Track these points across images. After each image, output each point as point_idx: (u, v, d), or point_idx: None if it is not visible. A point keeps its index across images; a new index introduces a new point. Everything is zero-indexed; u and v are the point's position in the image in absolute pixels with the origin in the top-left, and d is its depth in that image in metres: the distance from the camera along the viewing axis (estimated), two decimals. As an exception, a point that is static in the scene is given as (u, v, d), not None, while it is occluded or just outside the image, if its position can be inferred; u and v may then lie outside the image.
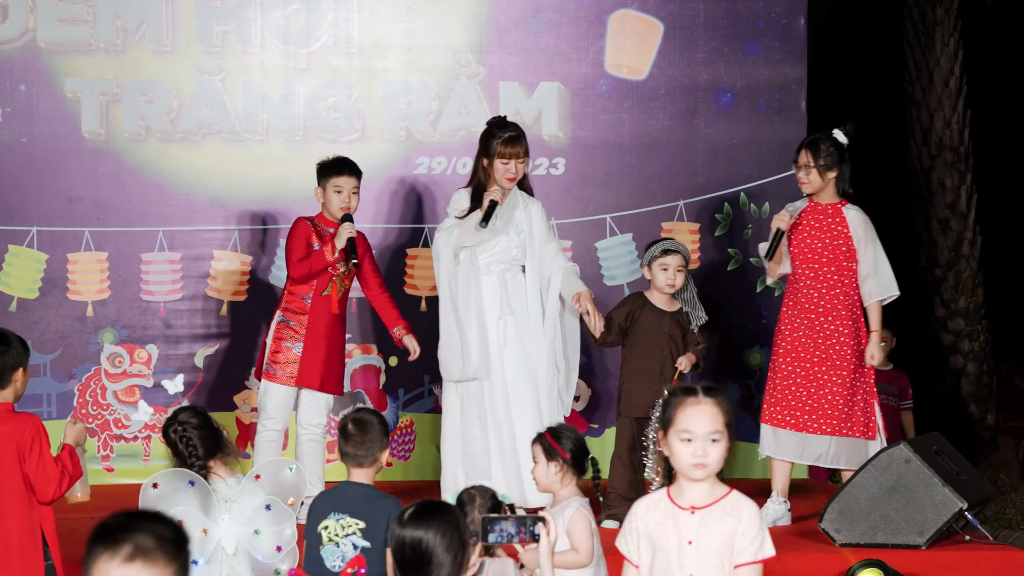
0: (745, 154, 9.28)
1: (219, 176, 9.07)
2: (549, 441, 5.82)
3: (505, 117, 7.95)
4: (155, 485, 5.49)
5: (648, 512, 4.56)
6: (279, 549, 5.51)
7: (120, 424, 9.02)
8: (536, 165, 9.15)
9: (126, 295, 9.06)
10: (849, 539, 7.20)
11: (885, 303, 7.74)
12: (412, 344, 7.97)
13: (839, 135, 7.71)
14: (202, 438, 5.63)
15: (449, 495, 5.50)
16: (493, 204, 7.65)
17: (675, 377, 7.80)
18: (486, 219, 7.63)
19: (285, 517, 5.53)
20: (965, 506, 7.07)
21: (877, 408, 7.74)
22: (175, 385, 6.11)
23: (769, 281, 8.26)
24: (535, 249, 7.81)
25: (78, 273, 9.01)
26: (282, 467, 5.62)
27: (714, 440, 4.42)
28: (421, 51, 9.21)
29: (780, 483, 7.72)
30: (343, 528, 5.48)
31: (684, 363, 7.88)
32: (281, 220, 9.06)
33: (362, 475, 5.62)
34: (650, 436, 7.51)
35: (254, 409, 8.61)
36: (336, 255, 7.75)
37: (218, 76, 9.09)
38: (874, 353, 7.64)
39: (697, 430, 4.41)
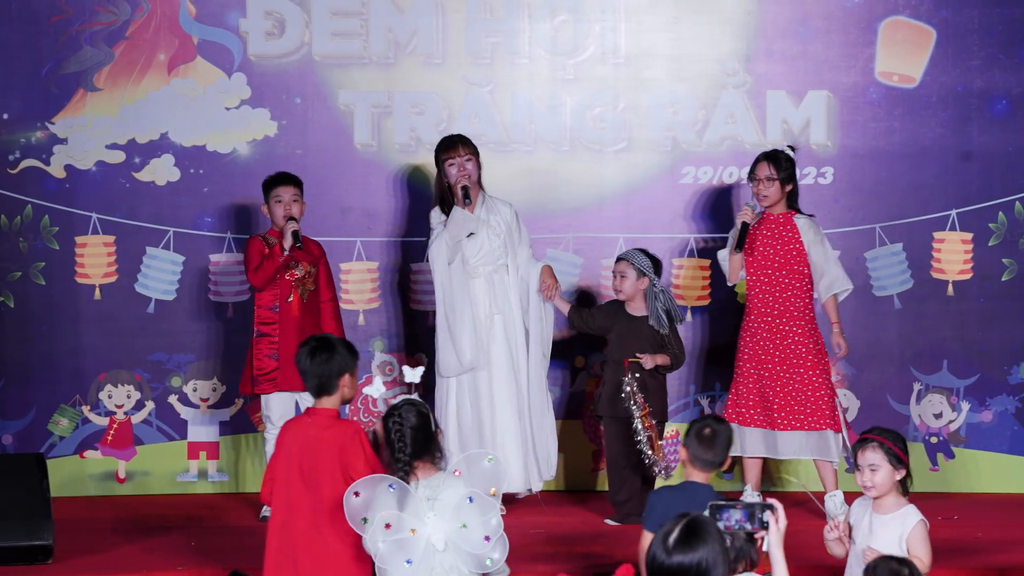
0: (1021, 162, 9.09)
1: (488, 186, 9.13)
2: (893, 449, 5.79)
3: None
4: (356, 493, 5.58)
5: None
6: (487, 539, 5.59)
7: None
8: (804, 174, 9.06)
9: (395, 304, 9.20)
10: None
11: (841, 299, 8.29)
12: None
13: (788, 151, 8.29)
14: (415, 438, 5.74)
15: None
16: (465, 188, 8.26)
17: (626, 367, 8.07)
18: (467, 198, 8.27)
19: (489, 507, 5.61)
20: None
21: (839, 402, 8.23)
22: (413, 375, 6.24)
23: (730, 283, 8.48)
24: (514, 248, 8.42)
25: (350, 283, 9.16)
26: (480, 459, 5.73)
27: None
28: (687, 60, 9.19)
29: (753, 477, 8.22)
30: None
31: (647, 360, 8.18)
32: (545, 230, 9.10)
33: (705, 477, 5.96)
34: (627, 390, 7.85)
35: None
36: (286, 254, 8.14)
37: (487, 88, 9.18)
38: (839, 343, 8.25)
39: None
